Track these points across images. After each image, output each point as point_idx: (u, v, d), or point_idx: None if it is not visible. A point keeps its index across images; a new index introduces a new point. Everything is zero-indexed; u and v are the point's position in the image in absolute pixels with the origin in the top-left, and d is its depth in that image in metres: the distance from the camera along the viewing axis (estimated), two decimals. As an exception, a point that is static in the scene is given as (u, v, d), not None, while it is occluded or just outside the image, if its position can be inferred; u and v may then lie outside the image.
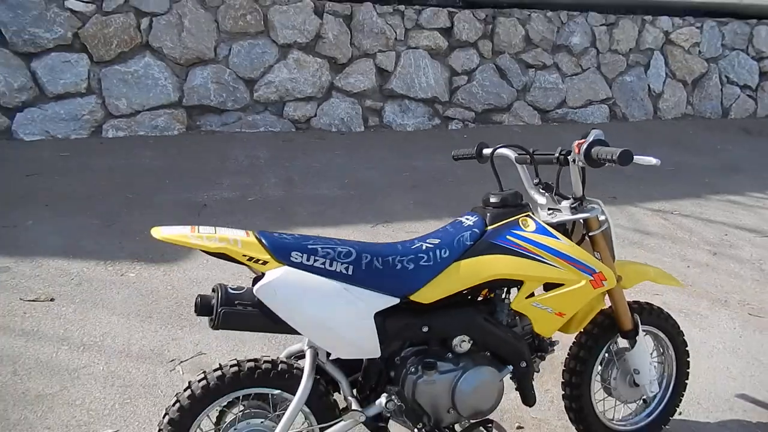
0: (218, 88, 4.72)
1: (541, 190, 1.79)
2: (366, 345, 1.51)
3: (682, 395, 2.06)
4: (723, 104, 6.42)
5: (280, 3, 4.78)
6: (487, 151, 1.93)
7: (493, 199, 1.69)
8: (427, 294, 1.54)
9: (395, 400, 1.56)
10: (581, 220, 1.74)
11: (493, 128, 5.46)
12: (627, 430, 2.00)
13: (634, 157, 1.54)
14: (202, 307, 1.42)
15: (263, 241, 1.43)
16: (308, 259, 1.45)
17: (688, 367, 2.06)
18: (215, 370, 1.49)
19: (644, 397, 1.99)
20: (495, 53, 5.49)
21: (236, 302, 1.42)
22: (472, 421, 1.67)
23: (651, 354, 1.98)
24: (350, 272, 1.48)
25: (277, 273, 1.41)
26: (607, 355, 1.93)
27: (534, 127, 5.59)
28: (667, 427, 2.06)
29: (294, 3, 4.82)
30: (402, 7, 5.17)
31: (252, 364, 1.50)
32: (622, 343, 1.92)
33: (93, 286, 2.71)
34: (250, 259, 1.41)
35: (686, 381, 2.06)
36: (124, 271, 2.85)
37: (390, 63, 5.16)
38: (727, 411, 2.22)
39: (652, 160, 1.57)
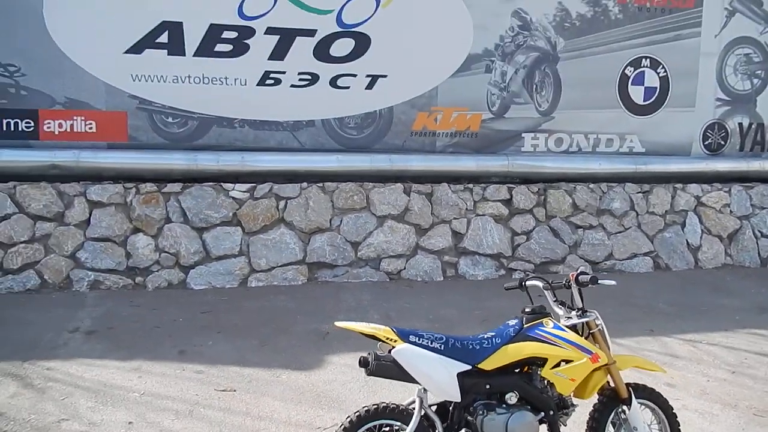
0: (332, 250, 6.22)
1: (558, 306, 2.93)
2: (452, 392, 2.62)
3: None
4: (760, 255, 7.24)
5: (379, 187, 6.41)
6: (525, 283, 3.12)
7: (527, 310, 2.85)
8: (488, 364, 2.67)
9: None
10: (584, 323, 2.85)
11: (549, 277, 6.53)
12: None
13: (599, 280, 2.69)
14: (364, 362, 2.61)
15: (394, 330, 2.65)
16: (419, 340, 2.64)
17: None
18: (363, 407, 2.62)
19: None
20: (548, 217, 6.78)
21: (382, 359, 2.60)
22: None
23: (650, 424, 2.91)
24: (442, 348, 2.65)
25: (403, 346, 2.60)
26: (615, 419, 2.89)
27: (586, 277, 6.63)
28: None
29: (389, 185, 6.44)
30: (471, 185, 6.67)
31: (384, 404, 2.62)
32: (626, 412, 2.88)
33: (259, 383, 3.93)
34: (388, 339, 2.62)
35: (679, 442, 2.93)
36: (278, 374, 4.06)
37: (462, 227, 6.55)
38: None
39: (612, 282, 2.71)
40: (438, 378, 2.61)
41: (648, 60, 7.33)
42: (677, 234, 7.08)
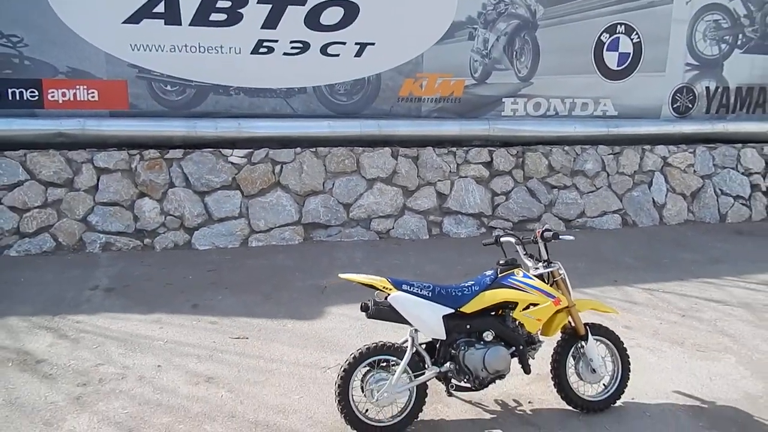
0: (325, 211, 6.67)
1: (528, 258, 3.44)
2: (438, 332, 3.15)
3: (626, 383, 3.50)
4: (720, 211, 7.86)
5: (368, 151, 6.82)
6: (501, 239, 3.63)
7: (501, 262, 3.36)
8: (468, 308, 3.19)
9: (453, 365, 3.15)
10: (549, 272, 3.37)
11: (528, 234, 7.09)
12: (594, 400, 3.45)
13: (559, 236, 3.19)
14: (364, 306, 3.12)
15: (389, 280, 3.15)
16: (410, 288, 3.15)
17: (629, 365, 3.52)
18: (364, 346, 3.14)
19: (603, 381, 3.45)
20: (525, 178, 7.28)
21: (380, 305, 3.10)
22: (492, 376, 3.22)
23: (605, 357, 3.48)
24: (430, 295, 3.16)
25: (397, 293, 3.10)
26: (575, 353, 3.45)
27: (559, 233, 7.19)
28: (619, 402, 3.49)
29: (378, 149, 6.85)
30: (455, 149, 7.12)
31: (382, 343, 3.14)
32: (584, 347, 3.44)
33: (268, 331, 4.45)
34: (384, 287, 3.12)
35: (629, 373, 3.50)
36: (284, 324, 4.58)
37: (446, 188, 7.02)
38: (665, 399, 3.62)
39: (570, 237, 3.22)
40: (427, 320, 3.13)
41: (623, 26, 7.71)
42: (644, 193, 7.64)
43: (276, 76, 6.86)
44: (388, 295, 3.13)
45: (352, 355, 3.13)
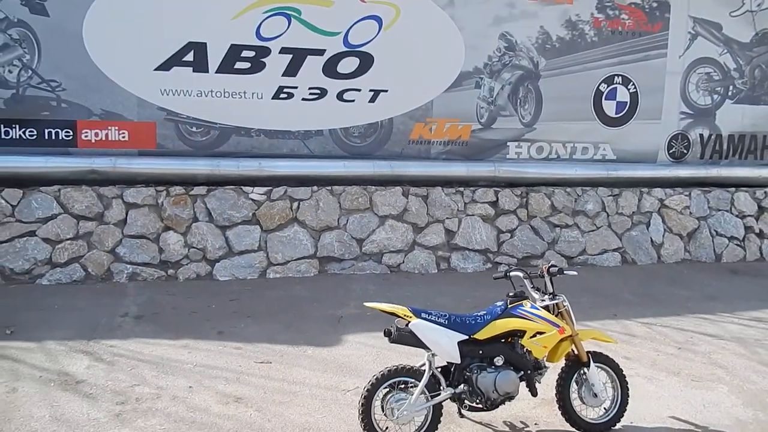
0: (340, 245, 7.04)
1: (535, 291, 3.78)
2: (454, 356, 3.47)
3: (626, 407, 3.79)
4: (715, 251, 8.20)
5: (380, 190, 7.23)
6: (512, 273, 3.98)
7: (510, 294, 3.70)
8: (481, 335, 3.52)
9: (467, 387, 3.46)
10: (555, 304, 3.71)
11: (529, 269, 7.43)
12: (595, 423, 3.74)
13: (564, 271, 3.54)
14: (387, 332, 3.45)
15: (410, 309, 3.49)
16: (429, 317, 3.49)
17: (628, 390, 3.82)
18: (386, 368, 3.45)
19: (604, 405, 3.75)
20: (529, 217, 7.66)
21: (402, 331, 3.43)
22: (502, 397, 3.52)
23: (605, 382, 3.79)
24: (446, 323, 3.50)
25: (417, 321, 3.44)
26: (578, 379, 3.75)
27: (562, 270, 7.54)
28: (619, 425, 3.77)
29: (390, 188, 7.26)
30: (462, 189, 7.53)
31: (402, 365, 3.46)
32: (586, 373, 3.75)
33: (289, 356, 4.75)
34: (405, 315, 3.46)
35: (628, 398, 3.80)
36: (305, 350, 4.88)
37: (454, 226, 7.40)
38: (662, 424, 3.90)
39: (574, 273, 3.56)
40: (444, 345, 3.46)
41: (620, 77, 8.21)
42: (643, 232, 8.00)
43: (295, 119, 7.33)
44: (409, 322, 3.46)
45: (375, 377, 3.44)
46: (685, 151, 8.60)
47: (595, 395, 3.71)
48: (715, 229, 8.28)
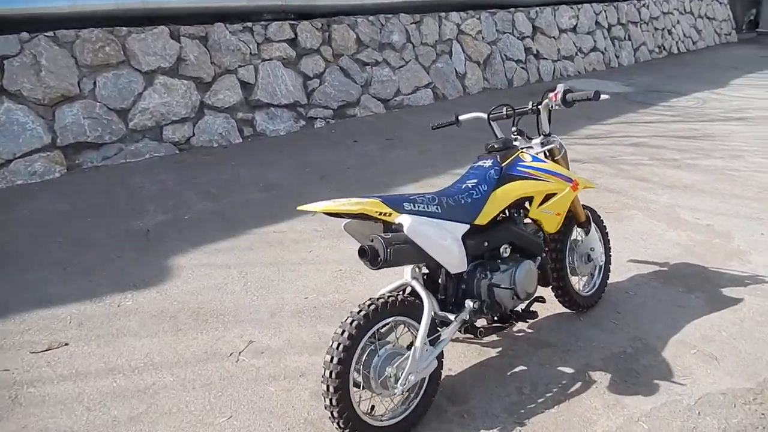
0: (92, 124, 4.59)
1: (515, 135, 2.52)
2: (461, 261, 2.10)
3: (610, 270, 2.99)
4: (507, 76, 8.01)
5: (137, 33, 4.80)
6: (463, 117, 2.62)
7: (497, 145, 2.38)
8: (483, 218, 2.18)
9: (476, 303, 2.16)
10: (549, 150, 2.53)
11: (351, 121, 6.15)
12: (589, 295, 2.86)
13: (601, 95, 2.33)
14: (372, 252, 1.85)
15: (383, 201, 1.92)
16: (414, 207, 1.99)
17: (611, 248, 3.01)
18: (366, 308, 1.92)
19: (595, 269, 2.87)
20: (336, 56, 6.16)
21: (395, 243, 1.88)
22: (527, 302, 2.36)
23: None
24: (440, 211, 2.05)
25: (408, 219, 1.91)
26: (571, 244, 2.77)
27: (382, 115, 6.42)
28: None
29: (150, 30, 4.88)
30: (250, 24, 5.53)
31: (388, 297, 1.96)
32: (574, 236, 2.77)
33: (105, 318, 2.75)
34: (381, 213, 1.90)
35: (611, 257, 3.00)
36: (127, 298, 2.90)
37: (251, 76, 5.50)
38: (628, 271, 3.24)
39: (607, 96, 2.38)
40: (453, 248, 2.04)
41: None
42: (447, 63, 7.25)
43: None
44: (391, 225, 1.93)
45: (351, 324, 1.89)
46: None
47: (589, 260, 2.81)
48: (504, 54, 8.00)
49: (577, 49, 9.10)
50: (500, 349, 2.56)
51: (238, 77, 5.43)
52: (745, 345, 2.60)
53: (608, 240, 2.98)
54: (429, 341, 2.02)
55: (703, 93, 8.00)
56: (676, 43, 11.53)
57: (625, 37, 10.16)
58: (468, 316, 2.15)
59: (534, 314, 2.27)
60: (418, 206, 2.01)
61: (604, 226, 2.97)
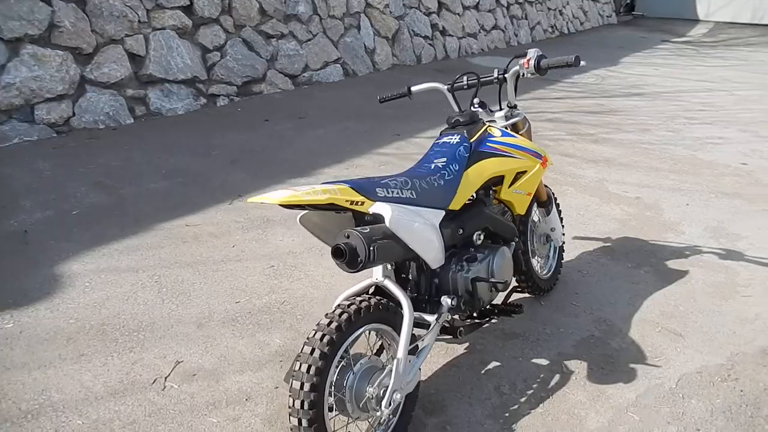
0: (-60, 101, 3.74)
1: (476, 107, 2.25)
2: (441, 254, 1.80)
3: (563, 250, 2.84)
4: (415, 52, 7.78)
5: (-6, -11, 3.97)
6: (415, 88, 2.31)
7: (462, 119, 2.09)
8: (458, 202, 1.90)
9: (453, 300, 1.87)
10: (514, 123, 2.29)
11: (257, 98, 5.61)
12: (545, 278, 2.68)
13: (580, 61, 2.09)
14: (350, 252, 1.49)
15: (353, 187, 1.57)
16: (388, 193, 1.66)
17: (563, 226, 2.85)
18: (337, 318, 1.56)
19: (551, 249, 2.69)
20: (237, 27, 5.57)
21: (376, 239, 1.53)
22: (508, 302, 2.11)
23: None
24: (415, 196, 1.73)
25: (388, 208, 1.57)
26: (531, 225, 2.55)
27: (290, 92, 5.94)
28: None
29: (11, -12, 4.06)
30: (136, -13, 4.81)
31: (355, 306, 1.60)
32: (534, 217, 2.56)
33: None
34: (353, 202, 1.54)
35: (563, 235, 2.84)
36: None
37: (140, 47, 4.80)
38: (575, 249, 3.12)
39: (584, 62, 2.14)
40: (433, 239, 1.73)
41: None
42: (356, 38, 6.88)
43: None
44: (364, 216, 1.58)
45: (323, 340, 1.52)
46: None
47: (547, 241, 2.63)
48: (412, 29, 7.75)
49: (480, 27, 9.08)
50: (467, 345, 2.31)
51: (126, 48, 4.71)
52: (703, 318, 2.55)
53: (562, 219, 2.82)
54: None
55: (600, 71, 8.29)
56: (567, 23, 11.95)
57: (522, 16, 10.33)
58: (449, 316, 1.86)
59: (520, 308, 2.02)
60: (392, 191, 1.67)
61: (558, 204, 2.81)
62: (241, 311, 2.45)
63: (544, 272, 2.68)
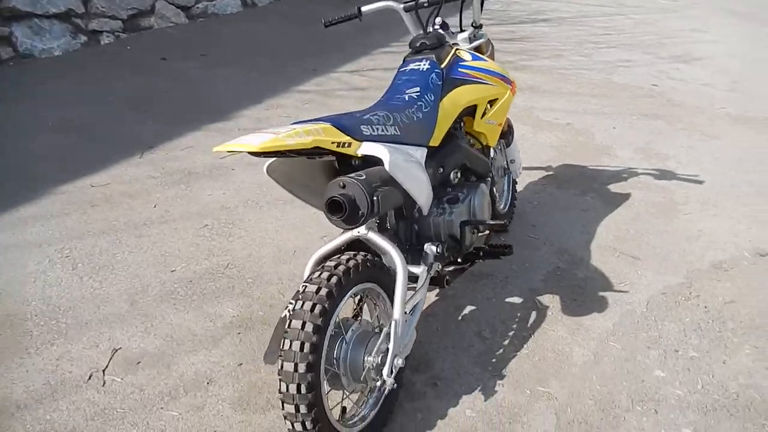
0: None
1: (437, 28, 2.01)
2: (431, 195, 1.60)
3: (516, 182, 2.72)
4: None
5: None
6: (366, 8, 2.02)
7: (429, 42, 1.85)
8: (437, 137, 1.69)
9: (437, 247, 1.67)
10: (479, 45, 2.07)
11: (148, 34, 4.94)
12: (504, 212, 2.56)
13: None
14: (350, 205, 1.24)
15: (336, 125, 1.32)
16: (374, 131, 1.42)
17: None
18: (321, 278, 1.32)
19: (506, 182, 2.56)
20: (113, -50, 4.78)
21: (376, 187, 1.28)
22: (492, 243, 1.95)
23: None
24: (399, 132, 1.50)
25: (383, 150, 1.34)
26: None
27: (185, 26, 5.28)
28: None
29: None
30: None
31: (343, 266, 1.37)
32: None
33: None
34: (339, 144, 1.29)
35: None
36: None
37: (-4, -26, 3.97)
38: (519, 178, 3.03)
39: None
40: (425, 181, 1.52)
41: None
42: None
43: None
44: (351, 159, 1.33)
45: (314, 310, 1.28)
46: None
47: (505, 173, 2.51)
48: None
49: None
50: (437, 291, 2.16)
51: (-23, -25, 3.88)
52: (654, 239, 2.58)
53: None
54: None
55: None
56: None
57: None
58: (439, 265, 1.68)
59: (509, 248, 1.86)
60: (377, 128, 1.43)
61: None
62: (179, 281, 2.12)
63: (501, 206, 2.57)
